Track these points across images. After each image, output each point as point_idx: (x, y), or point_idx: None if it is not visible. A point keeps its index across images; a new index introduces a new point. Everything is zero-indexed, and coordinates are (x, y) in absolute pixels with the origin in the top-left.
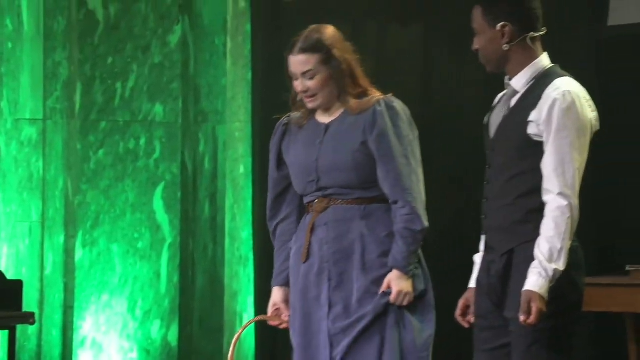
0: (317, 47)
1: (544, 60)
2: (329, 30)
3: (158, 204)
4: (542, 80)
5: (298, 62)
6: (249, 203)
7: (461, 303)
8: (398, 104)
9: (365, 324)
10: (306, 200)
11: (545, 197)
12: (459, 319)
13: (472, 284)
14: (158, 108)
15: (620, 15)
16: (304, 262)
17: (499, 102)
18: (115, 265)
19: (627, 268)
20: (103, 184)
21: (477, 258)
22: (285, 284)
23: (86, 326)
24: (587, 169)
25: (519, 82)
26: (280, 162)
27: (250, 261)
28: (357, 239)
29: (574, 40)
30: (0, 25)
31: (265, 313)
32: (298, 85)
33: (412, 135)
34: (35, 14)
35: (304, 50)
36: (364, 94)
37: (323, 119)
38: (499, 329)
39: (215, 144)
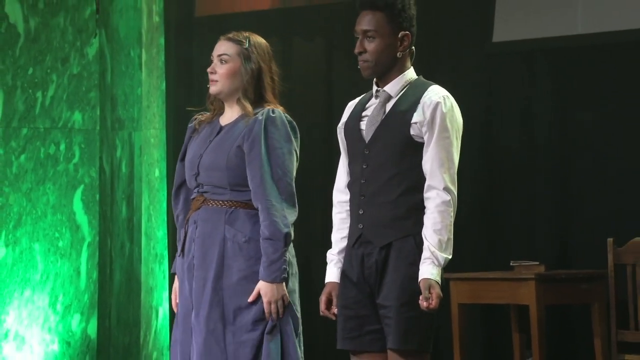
0: (241, 41)
1: (413, 71)
2: (261, 39)
3: (77, 205)
4: (415, 87)
5: (220, 45)
6: (164, 204)
7: (324, 298)
8: (278, 115)
9: (208, 331)
10: (191, 195)
11: (429, 193)
12: (325, 312)
13: (333, 278)
14: (77, 115)
15: (504, 32)
16: (180, 256)
17: (359, 107)
18: (37, 262)
19: (512, 264)
20: (25, 187)
21: (333, 255)
22: None
23: (9, 320)
24: (479, 174)
25: (394, 88)
26: (184, 155)
27: (165, 259)
28: (218, 242)
29: (462, 56)
30: None
31: None
32: (210, 66)
33: (285, 147)
34: None
35: (229, 39)
36: (262, 103)
37: (223, 120)
38: (365, 317)
39: (131, 149)
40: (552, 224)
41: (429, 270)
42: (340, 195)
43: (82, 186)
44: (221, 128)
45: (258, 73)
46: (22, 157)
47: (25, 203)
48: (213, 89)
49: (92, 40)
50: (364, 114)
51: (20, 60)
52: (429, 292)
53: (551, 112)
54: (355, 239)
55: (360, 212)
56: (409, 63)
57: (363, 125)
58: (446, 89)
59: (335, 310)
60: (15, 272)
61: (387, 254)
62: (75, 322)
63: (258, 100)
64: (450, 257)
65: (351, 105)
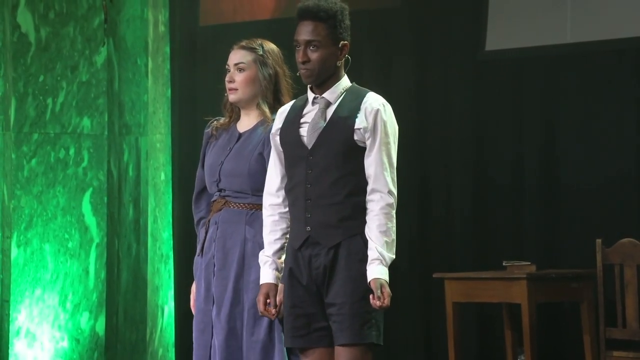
0: (255, 49)
1: (347, 78)
2: (272, 45)
3: (86, 207)
4: (353, 94)
5: (235, 54)
6: (169, 207)
7: (262, 299)
8: None
9: (231, 328)
10: (212, 198)
11: (373, 195)
12: (264, 312)
13: (269, 279)
14: (86, 121)
15: (496, 41)
16: (199, 256)
17: (294, 114)
18: (48, 262)
19: (504, 264)
20: (36, 190)
21: (267, 257)
22: None
23: (21, 318)
24: (473, 179)
25: (332, 95)
26: (204, 161)
27: (171, 259)
28: (239, 242)
29: (456, 63)
30: None
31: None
32: (228, 75)
33: None
34: None
35: (243, 47)
36: (279, 107)
37: (241, 127)
38: (313, 315)
39: (138, 153)
40: (543, 226)
41: (378, 270)
42: (272, 199)
43: (90, 189)
44: (240, 135)
45: (275, 77)
46: (33, 161)
47: (36, 205)
48: (233, 97)
49: (101, 49)
50: (302, 120)
51: (31, 68)
52: (381, 292)
53: (541, 117)
54: (303, 242)
55: (308, 215)
56: (343, 71)
57: (303, 131)
58: (439, 96)
59: (273, 310)
60: (27, 272)
61: (335, 254)
62: (84, 320)
63: (275, 104)
64: (394, 257)
65: (283, 111)
